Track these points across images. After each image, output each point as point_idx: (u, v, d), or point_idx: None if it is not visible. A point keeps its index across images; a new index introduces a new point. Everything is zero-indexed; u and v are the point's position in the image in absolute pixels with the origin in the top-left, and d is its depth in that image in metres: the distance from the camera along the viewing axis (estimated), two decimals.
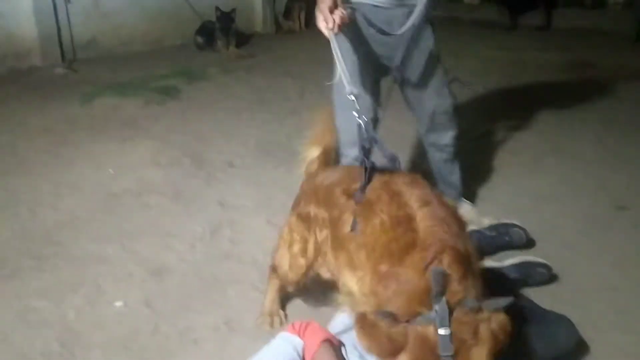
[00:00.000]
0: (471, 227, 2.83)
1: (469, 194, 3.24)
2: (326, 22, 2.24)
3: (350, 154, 2.60)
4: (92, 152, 4.12)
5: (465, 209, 3.04)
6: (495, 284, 2.33)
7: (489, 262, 2.53)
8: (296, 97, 5.43)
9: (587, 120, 4.45)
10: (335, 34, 2.27)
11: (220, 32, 7.72)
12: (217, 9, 7.66)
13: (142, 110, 5.15)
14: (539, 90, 5.29)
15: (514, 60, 6.48)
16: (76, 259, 2.86)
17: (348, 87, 2.08)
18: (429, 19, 2.60)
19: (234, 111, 5.09)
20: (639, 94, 4.99)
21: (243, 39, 8.15)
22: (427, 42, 2.62)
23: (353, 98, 2.04)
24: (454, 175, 3.04)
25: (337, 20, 2.24)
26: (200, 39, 7.91)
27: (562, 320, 2.09)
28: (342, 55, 2.25)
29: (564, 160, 3.79)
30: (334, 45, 2.25)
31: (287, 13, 9.19)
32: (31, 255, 2.87)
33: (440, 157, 2.98)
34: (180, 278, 2.69)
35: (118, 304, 2.52)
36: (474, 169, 3.50)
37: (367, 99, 2.60)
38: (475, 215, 3.01)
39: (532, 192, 3.39)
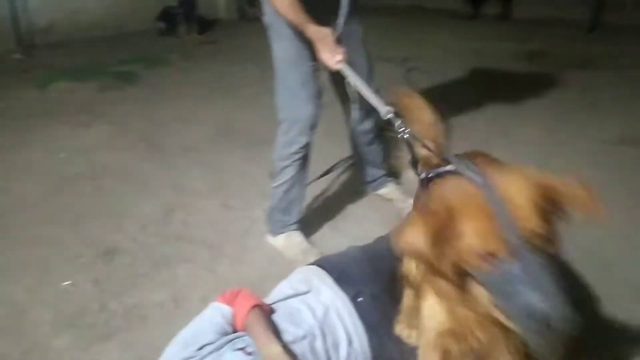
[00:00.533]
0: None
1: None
2: (334, 56, 2.35)
3: (302, 141, 2.64)
4: (46, 137, 4.10)
5: (390, 189, 3.14)
6: None
7: None
8: (257, 83, 5.44)
9: (537, 106, 4.58)
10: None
11: (182, 18, 7.69)
12: None
13: (99, 95, 5.13)
14: (494, 79, 5.40)
15: (474, 49, 6.60)
16: (26, 240, 2.87)
17: (384, 110, 2.15)
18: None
19: (194, 97, 5.10)
20: (587, 81, 5.14)
21: (206, 25, 8.13)
22: (357, 29, 2.67)
23: (392, 116, 2.11)
24: (377, 156, 3.10)
25: (343, 55, 2.37)
26: (161, 25, 7.86)
27: None
28: (300, 58, 2.43)
29: (511, 144, 3.91)
30: (348, 72, 2.38)
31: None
32: None
33: (366, 140, 3.02)
34: (130, 258, 2.72)
35: (66, 283, 2.54)
36: None
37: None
38: (401, 195, 3.11)
39: None
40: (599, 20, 7.51)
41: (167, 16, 7.80)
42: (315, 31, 2.35)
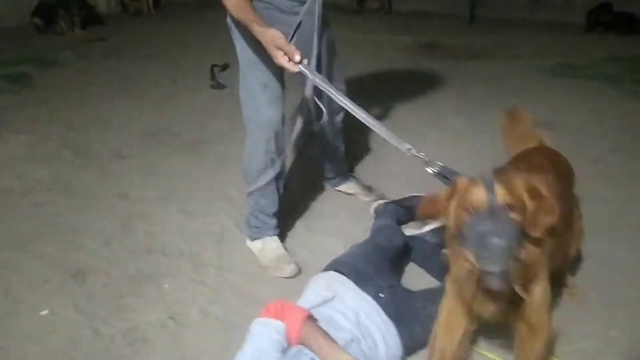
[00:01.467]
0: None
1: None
2: (290, 57, 2.09)
3: (269, 146, 2.55)
4: None
5: (351, 184, 3.22)
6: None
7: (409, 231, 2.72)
8: (168, 83, 5.23)
9: (451, 95, 4.87)
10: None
11: (63, 13, 7.11)
12: None
13: None
14: (399, 72, 5.63)
15: (373, 41, 6.84)
16: None
17: (403, 147, 2.06)
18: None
19: (101, 98, 4.79)
20: (483, 71, 5.55)
21: (88, 21, 7.60)
22: (328, 35, 2.62)
23: (409, 148, 2.05)
24: (340, 153, 3.13)
25: (298, 56, 2.11)
26: (38, 21, 7.23)
27: None
28: (260, 59, 2.30)
29: (442, 133, 4.13)
30: (316, 80, 2.18)
31: None
32: None
33: (330, 136, 2.99)
34: (104, 277, 2.53)
35: (43, 312, 2.31)
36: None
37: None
38: (361, 189, 3.20)
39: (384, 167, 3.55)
40: (475, 14, 8.15)
41: (44, 11, 7.18)
42: (261, 33, 2.12)
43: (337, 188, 3.24)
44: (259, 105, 2.47)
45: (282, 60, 2.11)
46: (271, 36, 2.09)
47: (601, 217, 2.83)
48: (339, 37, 2.78)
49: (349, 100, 2.21)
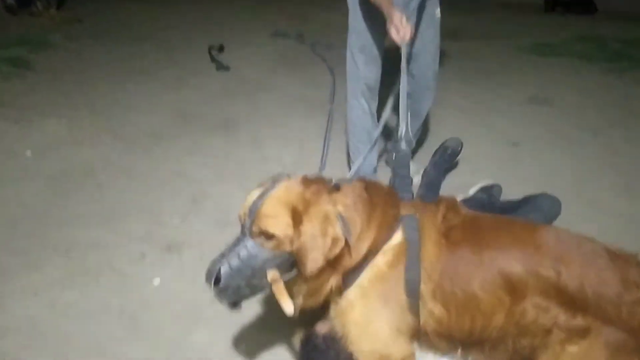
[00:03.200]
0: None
1: None
2: (400, 31, 2.49)
3: (362, 104, 3.00)
4: None
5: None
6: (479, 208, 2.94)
7: (460, 196, 3.06)
8: (171, 64, 5.29)
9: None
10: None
11: None
12: None
13: (3, 85, 4.58)
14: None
15: None
16: (75, 246, 2.72)
17: (405, 147, 2.44)
18: None
19: (111, 81, 4.81)
20: (470, 51, 5.92)
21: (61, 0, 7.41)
22: (434, 8, 2.90)
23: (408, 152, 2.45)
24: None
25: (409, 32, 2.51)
26: (11, 1, 7.00)
27: (541, 195, 2.74)
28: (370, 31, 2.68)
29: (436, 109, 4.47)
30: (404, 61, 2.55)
31: None
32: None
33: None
34: (197, 250, 2.73)
35: (156, 283, 2.51)
36: None
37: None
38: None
39: None
40: None
41: None
42: (390, 11, 2.50)
43: None
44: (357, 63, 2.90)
45: (393, 29, 2.50)
46: (399, 17, 2.49)
47: (614, 184, 3.28)
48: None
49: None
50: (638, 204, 3.10)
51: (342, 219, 1.64)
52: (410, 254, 1.70)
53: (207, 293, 2.41)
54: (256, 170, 3.42)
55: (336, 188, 1.74)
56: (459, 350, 1.78)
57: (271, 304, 2.32)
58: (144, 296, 2.44)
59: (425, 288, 1.69)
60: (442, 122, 4.09)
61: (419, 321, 1.73)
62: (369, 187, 1.81)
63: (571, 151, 3.74)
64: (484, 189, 3.08)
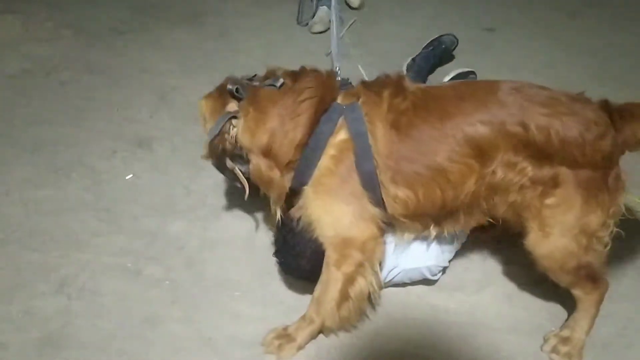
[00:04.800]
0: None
1: None
2: None
3: None
4: None
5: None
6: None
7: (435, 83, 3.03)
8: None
9: None
10: None
11: None
12: None
13: None
14: None
15: None
16: (31, 147, 2.66)
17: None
18: None
19: None
20: None
21: None
22: None
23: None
24: None
25: None
26: None
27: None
28: None
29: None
30: None
31: None
32: None
33: None
34: (169, 144, 2.73)
35: (128, 177, 2.53)
36: None
37: None
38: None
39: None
40: None
41: None
42: None
43: None
44: None
45: None
46: None
47: (588, 67, 3.27)
48: None
49: None
50: (609, 86, 3.11)
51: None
52: (360, 147, 1.70)
53: (181, 186, 2.46)
54: (225, 63, 3.32)
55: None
56: (432, 227, 1.83)
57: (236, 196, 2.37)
58: (118, 191, 2.44)
59: (383, 177, 1.71)
60: (417, 8, 3.99)
61: (386, 210, 1.77)
62: (301, 74, 1.83)
63: (547, 35, 3.70)
64: (459, 76, 3.06)
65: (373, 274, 1.81)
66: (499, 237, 2.15)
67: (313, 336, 1.89)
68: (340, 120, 1.73)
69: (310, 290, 1.97)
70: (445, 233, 1.87)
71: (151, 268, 2.11)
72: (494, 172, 1.69)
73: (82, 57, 3.35)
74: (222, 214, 2.35)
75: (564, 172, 1.66)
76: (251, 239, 2.23)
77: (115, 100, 2.99)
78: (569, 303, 1.94)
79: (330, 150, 1.73)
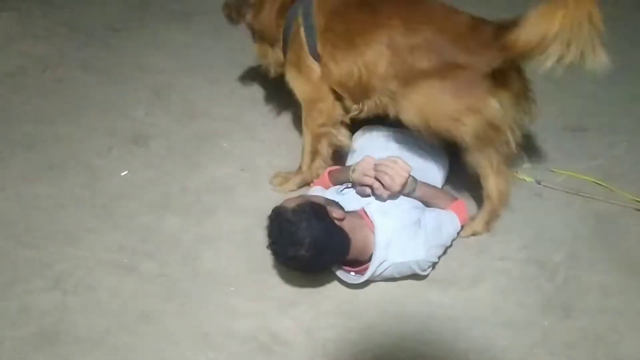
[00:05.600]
0: None
1: None
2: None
3: None
4: None
5: None
6: None
7: None
8: None
9: None
10: None
11: None
12: None
13: None
14: None
15: None
16: (27, 143, 2.68)
17: None
18: None
19: None
20: None
21: None
22: None
23: None
24: None
25: None
26: None
27: None
28: None
29: None
30: None
31: None
32: None
33: None
34: (164, 141, 2.73)
35: (123, 173, 2.53)
36: None
37: None
38: None
39: None
40: None
41: None
42: None
43: None
44: None
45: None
46: None
47: None
48: None
49: None
50: None
51: None
52: (306, 25, 2.22)
53: (177, 182, 2.47)
54: (221, 61, 3.33)
55: None
56: (360, 106, 2.23)
57: (232, 193, 2.38)
58: (113, 187, 2.45)
59: (321, 49, 2.19)
60: None
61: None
62: None
63: None
64: None
65: (336, 131, 2.31)
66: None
67: (305, 182, 2.41)
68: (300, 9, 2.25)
69: (305, 286, 1.98)
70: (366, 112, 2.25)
71: (147, 264, 2.12)
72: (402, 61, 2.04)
73: (77, 54, 3.35)
74: (217, 210, 2.35)
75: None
76: (246, 235, 2.23)
77: (110, 98, 2.98)
78: (563, 297, 1.96)
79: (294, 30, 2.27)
